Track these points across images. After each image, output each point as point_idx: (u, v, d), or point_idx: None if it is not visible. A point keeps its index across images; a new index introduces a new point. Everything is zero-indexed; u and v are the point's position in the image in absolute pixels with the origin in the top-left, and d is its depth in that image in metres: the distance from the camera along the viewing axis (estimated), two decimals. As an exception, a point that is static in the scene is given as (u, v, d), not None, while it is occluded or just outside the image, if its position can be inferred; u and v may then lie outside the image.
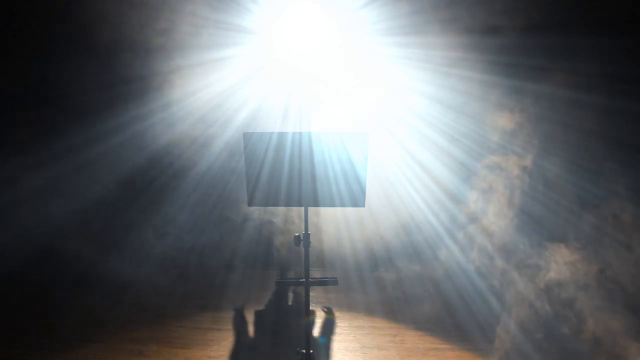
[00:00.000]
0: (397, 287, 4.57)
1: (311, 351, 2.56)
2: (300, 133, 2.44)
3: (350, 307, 3.92)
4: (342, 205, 2.95)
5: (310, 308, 3.33)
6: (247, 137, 2.35)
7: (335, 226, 4.79)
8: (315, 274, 4.60)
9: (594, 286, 3.27)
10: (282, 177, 2.44)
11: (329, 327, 3.28)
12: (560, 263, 3.48)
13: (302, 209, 2.67)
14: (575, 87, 3.86)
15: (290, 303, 3.98)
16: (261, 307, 3.93)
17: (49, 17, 4.37)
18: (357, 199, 2.67)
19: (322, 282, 4.35)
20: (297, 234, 3.31)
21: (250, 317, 3.70)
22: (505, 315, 3.41)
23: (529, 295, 3.59)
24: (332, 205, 2.91)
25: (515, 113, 4.12)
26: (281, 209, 4.64)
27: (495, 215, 4.24)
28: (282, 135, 2.40)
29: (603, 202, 3.61)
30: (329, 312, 3.65)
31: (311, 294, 2.74)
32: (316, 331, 3.36)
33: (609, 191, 3.63)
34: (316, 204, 2.52)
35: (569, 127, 3.96)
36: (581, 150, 3.90)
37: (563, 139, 4.00)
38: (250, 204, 2.49)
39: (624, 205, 3.49)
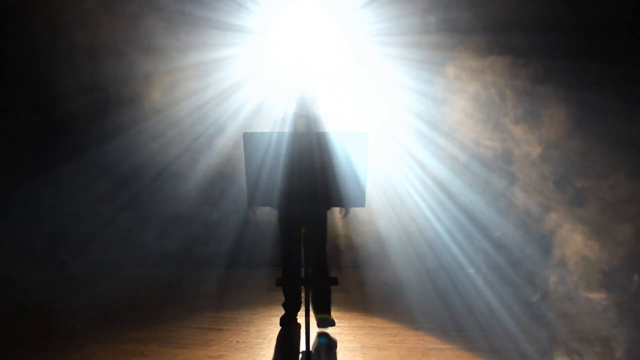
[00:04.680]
0: (397, 287, 4.57)
1: (311, 351, 2.56)
2: (300, 133, 2.43)
3: (350, 307, 3.92)
4: (343, 205, 2.94)
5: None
6: (247, 137, 2.35)
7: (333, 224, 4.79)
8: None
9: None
10: (281, 177, 2.43)
11: (326, 327, 3.28)
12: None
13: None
14: (569, 85, 3.90)
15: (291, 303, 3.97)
16: (261, 307, 3.93)
17: (44, 17, 4.36)
18: (357, 199, 2.67)
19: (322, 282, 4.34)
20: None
21: (250, 318, 3.70)
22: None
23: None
24: (332, 205, 2.91)
25: (511, 111, 4.14)
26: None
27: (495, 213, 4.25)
28: (282, 135, 2.39)
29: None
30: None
31: (311, 293, 2.75)
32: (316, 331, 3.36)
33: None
34: (316, 204, 2.52)
35: (561, 123, 3.99)
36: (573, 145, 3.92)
37: (558, 134, 4.02)
38: (250, 203, 2.49)
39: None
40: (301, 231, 3.03)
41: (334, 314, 3.43)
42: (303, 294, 3.03)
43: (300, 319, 3.44)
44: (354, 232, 4.87)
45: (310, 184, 2.44)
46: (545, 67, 3.93)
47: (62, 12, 4.28)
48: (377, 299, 4.18)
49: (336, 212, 3.32)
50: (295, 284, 4.07)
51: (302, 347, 2.69)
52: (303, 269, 3.00)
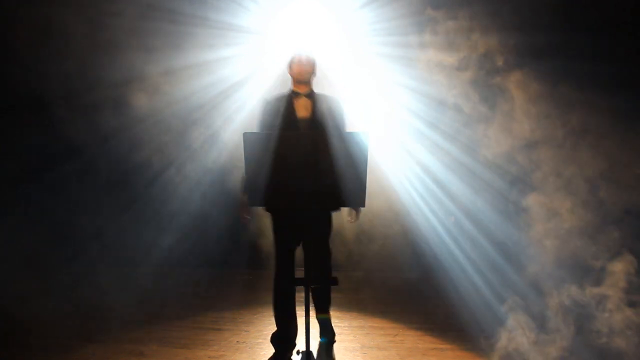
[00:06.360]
0: (397, 286, 4.57)
1: (311, 351, 2.56)
2: (300, 133, 2.43)
3: (350, 307, 3.92)
4: (343, 205, 2.94)
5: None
6: (247, 137, 2.34)
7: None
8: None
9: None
10: (282, 177, 2.43)
11: (327, 327, 3.28)
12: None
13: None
14: (568, 86, 3.91)
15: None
16: (261, 307, 3.93)
17: (41, 16, 4.36)
18: (357, 199, 2.66)
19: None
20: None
21: (250, 318, 3.70)
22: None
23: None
24: (333, 205, 2.89)
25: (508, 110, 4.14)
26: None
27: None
28: (282, 135, 2.39)
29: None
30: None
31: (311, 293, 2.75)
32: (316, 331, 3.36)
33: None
34: (316, 204, 2.51)
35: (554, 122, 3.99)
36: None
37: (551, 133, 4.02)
38: (249, 204, 2.49)
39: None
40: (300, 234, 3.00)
41: (334, 314, 3.43)
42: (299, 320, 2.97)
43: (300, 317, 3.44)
44: (354, 232, 4.86)
45: (316, 181, 2.39)
46: (546, 67, 3.93)
47: (61, 11, 4.28)
48: (377, 299, 4.19)
49: (344, 216, 3.25)
50: (292, 283, 4.04)
51: (302, 347, 2.69)
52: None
